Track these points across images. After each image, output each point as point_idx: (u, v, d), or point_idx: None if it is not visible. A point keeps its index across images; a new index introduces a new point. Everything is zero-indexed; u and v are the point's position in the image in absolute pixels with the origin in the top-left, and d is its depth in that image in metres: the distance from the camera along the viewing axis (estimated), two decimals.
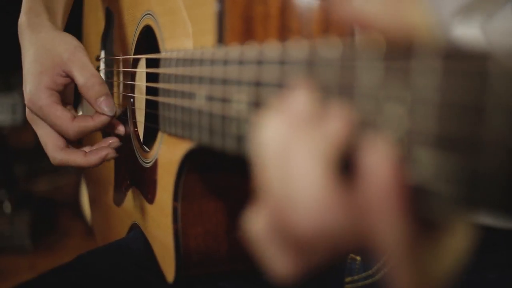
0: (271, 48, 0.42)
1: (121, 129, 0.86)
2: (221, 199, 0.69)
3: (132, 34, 0.88)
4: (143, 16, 0.83)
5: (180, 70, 0.61)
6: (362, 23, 0.31)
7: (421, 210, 0.29)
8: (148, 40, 0.84)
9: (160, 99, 0.69)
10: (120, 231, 0.96)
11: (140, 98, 0.87)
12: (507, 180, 0.24)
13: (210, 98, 0.52)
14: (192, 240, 0.68)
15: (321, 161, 0.32)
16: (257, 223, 0.36)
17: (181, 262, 0.69)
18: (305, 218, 0.32)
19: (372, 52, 0.31)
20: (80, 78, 0.76)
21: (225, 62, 0.49)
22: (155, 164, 0.76)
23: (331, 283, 0.76)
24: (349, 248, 0.33)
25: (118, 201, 0.97)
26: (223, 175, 0.68)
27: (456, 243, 0.30)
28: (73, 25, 0.93)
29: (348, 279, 0.75)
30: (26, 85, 0.77)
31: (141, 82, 0.86)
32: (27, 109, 0.79)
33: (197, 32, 0.63)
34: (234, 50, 0.48)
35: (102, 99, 0.76)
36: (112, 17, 0.99)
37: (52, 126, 0.77)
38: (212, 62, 0.52)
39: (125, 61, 0.92)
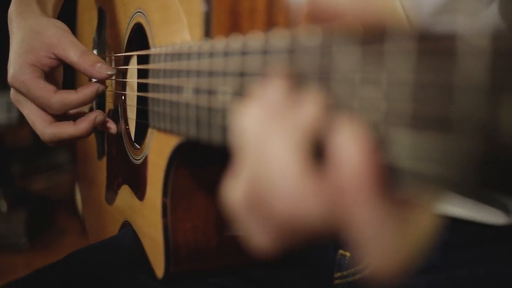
0: (254, 39, 0.42)
1: (112, 126, 0.86)
2: (210, 194, 0.69)
3: (124, 32, 0.88)
4: (134, 14, 0.83)
5: (168, 65, 0.62)
6: (334, 15, 0.32)
7: (394, 191, 0.29)
8: (139, 38, 0.85)
9: (149, 95, 0.69)
10: (112, 229, 0.96)
11: (131, 95, 0.87)
12: (478, 159, 0.24)
13: (197, 91, 0.52)
14: (181, 236, 0.68)
15: (294, 147, 0.32)
16: (235, 194, 0.36)
17: (170, 258, 0.69)
18: (280, 204, 0.32)
19: (348, 37, 0.31)
20: (73, 55, 0.76)
21: (211, 55, 0.50)
22: (145, 161, 0.76)
23: (320, 278, 0.76)
24: (326, 231, 0.33)
25: (110, 199, 0.97)
26: (212, 170, 0.68)
27: (425, 221, 0.30)
28: (67, 24, 0.93)
29: (337, 274, 0.75)
30: (10, 63, 0.77)
31: (132, 79, 0.86)
32: (11, 90, 0.79)
33: (186, 27, 0.64)
34: (219, 42, 0.48)
35: (99, 64, 0.76)
36: (104, 16, 0.99)
37: (35, 100, 0.76)
38: (199, 55, 0.53)
39: (117, 59, 0.92)
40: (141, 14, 0.80)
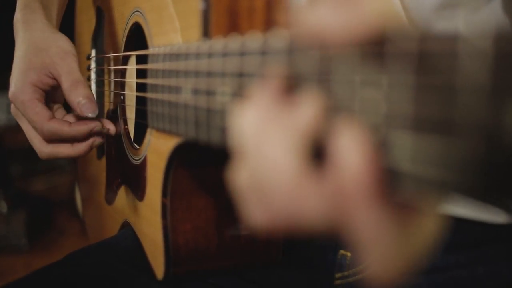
0: (253, 39, 0.42)
1: (111, 127, 0.86)
2: (210, 195, 0.68)
3: (122, 32, 0.88)
4: (132, 14, 0.83)
5: (167, 65, 0.61)
6: (326, 38, 0.31)
7: (395, 194, 0.29)
8: (137, 37, 0.84)
9: (148, 95, 0.69)
10: (112, 229, 0.96)
11: (130, 95, 0.86)
12: (480, 162, 0.24)
13: (195, 92, 0.52)
14: (181, 236, 0.68)
15: (292, 149, 0.32)
16: (239, 176, 0.36)
17: (170, 258, 0.69)
18: (279, 207, 0.32)
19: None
20: (65, 82, 0.76)
21: (210, 55, 0.49)
22: (144, 161, 0.76)
23: (321, 279, 0.76)
24: (325, 231, 0.33)
25: (110, 200, 0.97)
26: (211, 170, 0.68)
27: (427, 224, 0.30)
28: (66, 24, 0.93)
29: (338, 274, 0.75)
30: (12, 79, 0.77)
31: (131, 79, 0.86)
32: (12, 104, 0.79)
33: (184, 27, 0.63)
34: (218, 43, 0.48)
35: (83, 101, 0.75)
36: (103, 15, 0.99)
37: (29, 121, 0.77)
38: (197, 55, 0.52)
39: (116, 59, 0.92)
40: (139, 13, 0.79)
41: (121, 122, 0.89)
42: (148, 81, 0.69)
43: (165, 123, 0.62)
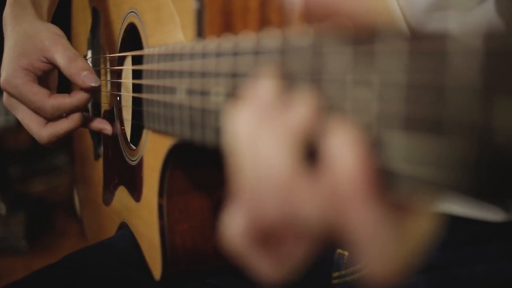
0: (246, 39, 0.42)
1: (108, 127, 0.86)
2: (207, 195, 0.68)
3: (118, 33, 0.88)
4: (127, 14, 0.82)
5: (161, 66, 0.61)
6: (327, 14, 0.31)
7: (389, 194, 0.29)
8: (132, 38, 0.84)
9: (144, 95, 0.69)
10: (110, 230, 0.96)
11: (126, 96, 0.86)
12: (472, 161, 0.23)
13: (190, 92, 0.52)
14: (178, 237, 0.68)
15: (286, 149, 0.32)
16: (234, 228, 0.35)
17: (168, 259, 0.68)
18: (274, 208, 0.32)
19: (339, 38, 0.30)
20: (62, 60, 0.75)
21: (203, 55, 0.49)
22: (140, 162, 0.76)
23: (318, 278, 0.75)
24: (323, 237, 0.32)
25: (107, 201, 0.96)
26: (208, 171, 0.68)
27: (422, 223, 0.30)
28: (62, 25, 0.93)
29: (335, 273, 0.75)
30: (3, 67, 0.77)
31: (127, 80, 0.86)
32: (4, 94, 0.78)
33: (178, 27, 0.63)
34: (211, 43, 0.48)
35: (85, 73, 0.75)
36: (99, 16, 0.98)
37: (29, 103, 0.76)
38: (192, 56, 0.52)
39: (112, 60, 0.92)
40: (134, 14, 0.79)
41: (117, 123, 0.89)
42: (143, 81, 0.68)
43: (160, 124, 0.62)
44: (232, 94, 0.43)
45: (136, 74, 0.79)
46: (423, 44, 0.25)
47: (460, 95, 0.23)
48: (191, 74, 0.52)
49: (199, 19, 0.56)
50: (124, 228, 0.87)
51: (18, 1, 0.82)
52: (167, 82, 0.59)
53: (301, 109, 0.32)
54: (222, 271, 0.73)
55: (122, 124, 0.89)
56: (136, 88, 0.78)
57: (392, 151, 0.28)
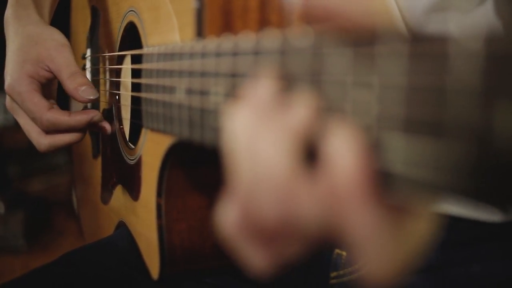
0: (246, 39, 0.42)
1: (106, 126, 0.86)
2: (205, 194, 0.68)
3: (117, 31, 0.88)
4: (127, 13, 0.82)
5: (161, 65, 0.61)
6: (327, 16, 0.31)
7: (388, 196, 0.29)
8: (132, 37, 0.84)
9: (143, 95, 0.69)
10: (108, 229, 0.96)
11: (125, 95, 0.86)
12: (472, 164, 0.23)
13: (189, 92, 0.52)
14: (176, 236, 0.68)
15: (285, 149, 0.32)
16: (228, 218, 0.36)
17: (166, 258, 0.68)
18: (271, 207, 0.32)
19: (340, 39, 0.30)
20: (63, 74, 0.76)
21: (203, 55, 0.49)
22: (139, 161, 0.76)
23: (316, 278, 0.75)
24: (321, 238, 0.33)
25: (105, 200, 0.96)
26: (206, 170, 0.68)
27: (421, 225, 0.30)
28: (61, 23, 0.93)
29: (333, 273, 0.75)
30: (7, 71, 0.77)
31: (126, 79, 0.86)
32: (7, 98, 0.78)
33: (178, 26, 0.63)
34: (211, 43, 0.48)
35: (83, 88, 0.75)
36: (98, 14, 0.98)
37: (28, 112, 0.76)
38: (191, 55, 0.52)
39: (111, 59, 0.91)
40: (133, 13, 0.79)
41: (116, 121, 0.89)
42: (143, 81, 0.68)
43: (159, 123, 0.62)
44: (232, 94, 0.43)
45: (135, 73, 0.79)
46: (423, 46, 0.25)
47: (460, 98, 0.23)
48: (190, 73, 0.52)
49: (199, 19, 0.56)
50: (122, 227, 0.87)
51: (20, 1, 0.82)
52: (167, 81, 0.59)
53: (301, 110, 0.32)
54: (220, 270, 0.73)
55: (120, 123, 0.89)
56: (135, 87, 0.78)
57: (392, 153, 0.28)
